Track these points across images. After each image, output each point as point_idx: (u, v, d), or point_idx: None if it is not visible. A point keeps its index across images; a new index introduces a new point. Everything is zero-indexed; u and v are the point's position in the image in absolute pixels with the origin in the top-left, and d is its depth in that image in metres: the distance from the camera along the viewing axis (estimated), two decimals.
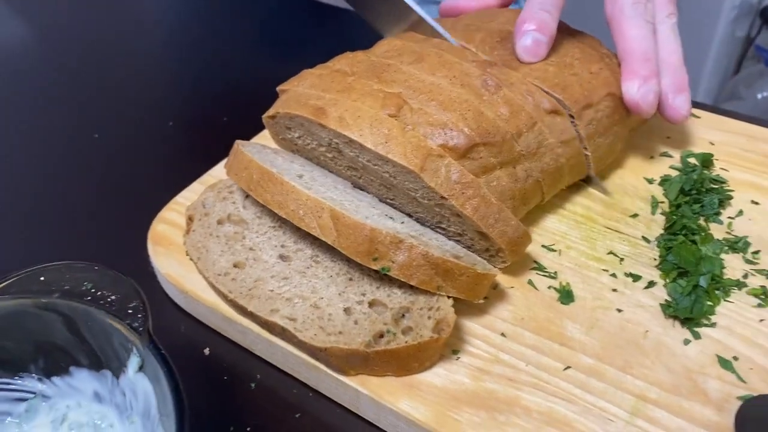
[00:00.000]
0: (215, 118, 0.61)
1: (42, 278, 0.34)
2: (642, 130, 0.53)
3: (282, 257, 0.41)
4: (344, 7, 0.82)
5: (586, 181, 0.48)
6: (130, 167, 0.57)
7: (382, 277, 0.39)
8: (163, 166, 0.57)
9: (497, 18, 0.50)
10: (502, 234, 0.39)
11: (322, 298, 0.39)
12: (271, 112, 0.46)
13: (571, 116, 0.44)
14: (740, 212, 0.46)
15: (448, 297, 0.37)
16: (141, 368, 0.32)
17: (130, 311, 0.32)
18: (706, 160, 0.50)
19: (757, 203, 0.47)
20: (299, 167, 0.45)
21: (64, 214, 0.53)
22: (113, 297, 0.33)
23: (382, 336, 0.36)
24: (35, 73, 0.71)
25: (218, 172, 0.50)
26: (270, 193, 0.40)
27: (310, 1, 0.81)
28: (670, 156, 0.51)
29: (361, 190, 0.45)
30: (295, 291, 0.39)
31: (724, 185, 0.48)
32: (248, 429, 0.37)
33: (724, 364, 0.37)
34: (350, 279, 0.40)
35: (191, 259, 0.42)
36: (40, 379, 0.35)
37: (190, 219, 0.45)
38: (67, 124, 0.62)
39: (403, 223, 0.41)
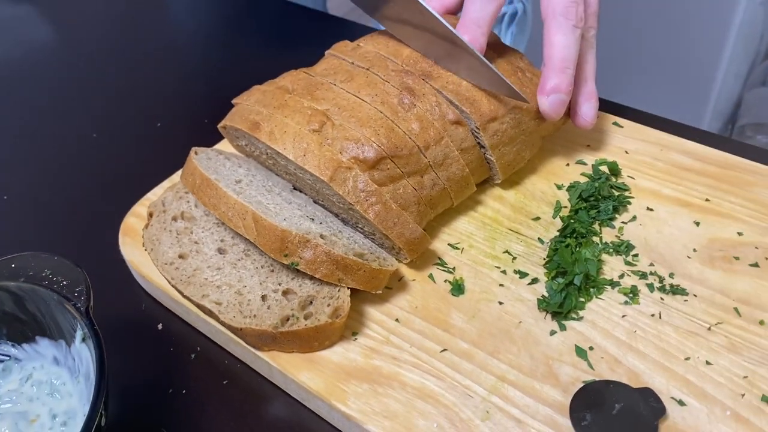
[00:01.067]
0: (198, 120, 0.69)
1: (13, 265, 0.42)
2: (563, 137, 0.59)
3: (220, 250, 0.49)
4: (334, 14, 0.89)
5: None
6: (119, 164, 0.65)
7: (298, 270, 0.46)
8: (146, 163, 0.65)
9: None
10: (400, 235, 0.46)
11: (246, 286, 0.46)
12: (222, 123, 0.53)
13: (476, 128, 0.50)
14: (633, 218, 0.52)
15: (348, 288, 0.45)
16: (83, 340, 0.40)
17: (76, 294, 0.41)
18: (614, 169, 0.55)
19: (651, 209, 0.53)
20: (244, 172, 0.52)
21: (57, 204, 0.61)
22: (65, 282, 0.41)
23: (288, 319, 0.44)
24: (51, 71, 0.80)
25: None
26: (207, 196, 0.48)
27: (296, 6, 0.88)
28: (585, 164, 0.57)
29: (300, 191, 0.53)
30: (224, 279, 0.47)
31: (625, 192, 0.54)
32: (184, 391, 0.45)
33: (580, 352, 0.43)
34: (272, 270, 0.47)
35: (146, 250, 0.50)
36: (13, 345, 0.43)
37: (150, 215, 0.53)
38: (71, 123, 0.71)
39: (321, 223, 0.48)
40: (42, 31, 0.90)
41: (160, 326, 0.50)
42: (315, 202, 0.52)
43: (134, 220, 0.54)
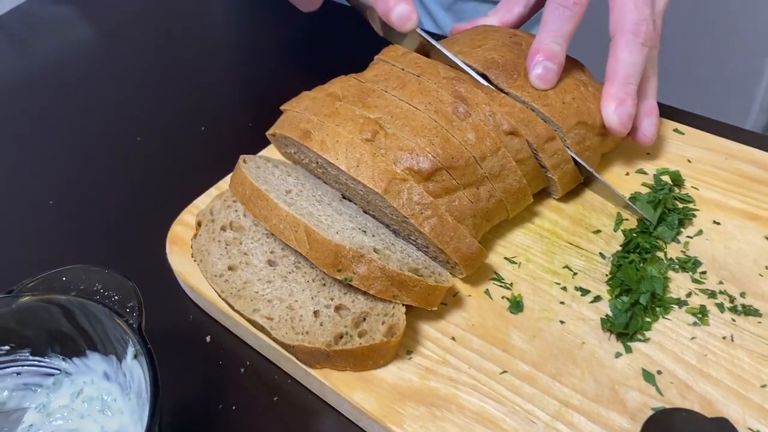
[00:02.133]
0: (242, 123, 0.68)
1: (64, 278, 0.42)
2: (621, 145, 0.56)
3: (270, 262, 0.48)
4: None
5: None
6: (163, 169, 0.65)
7: (351, 285, 0.45)
8: (192, 169, 0.64)
9: (485, 44, 0.54)
10: (456, 250, 0.44)
11: (297, 300, 0.45)
12: (271, 131, 0.52)
13: (534, 150, 0.48)
14: (700, 232, 0.50)
15: (403, 305, 0.43)
16: (135, 357, 0.39)
17: (128, 309, 0.40)
18: (677, 178, 0.53)
19: (718, 223, 0.50)
20: (293, 181, 0.51)
21: (102, 209, 0.61)
22: (116, 297, 0.40)
23: (341, 337, 0.42)
24: (93, 73, 0.80)
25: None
26: (258, 207, 0.47)
27: (339, 5, 0.86)
28: (645, 173, 0.54)
29: (349, 200, 0.51)
30: (275, 293, 0.46)
31: (689, 204, 0.51)
32: (234, 407, 0.45)
33: (647, 377, 0.41)
34: (323, 284, 0.46)
35: (195, 261, 0.49)
36: (63, 359, 0.43)
37: (198, 224, 0.52)
38: (113, 125, 0.71)
39: (374, 236, 0.47)
40: (83, 32, 0.90)
41: (208, 338, 0.49)
42: (365, 211, 0.50)
43: (181, 228, 0.53)
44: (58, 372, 0.43)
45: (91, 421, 0.40)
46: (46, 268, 0.42)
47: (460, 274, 0.46)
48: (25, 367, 0.43)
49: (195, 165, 0.64)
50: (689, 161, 0.55)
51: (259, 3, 0.91)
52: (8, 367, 0.43)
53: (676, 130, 0.58)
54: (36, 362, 0.43)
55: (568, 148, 0.50)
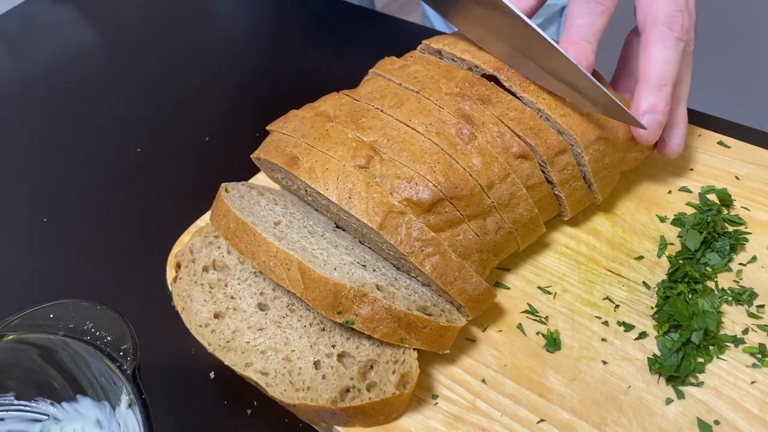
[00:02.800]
0: (251, 133, 0.64)
1: (51, 315, 0.38)
2: (663, 160, 0.52)
3: (260, 306, 0.43)
4: (384, 11, 0.82)
5: None
6: (166, 185, 0.60)
7: (353, 329, 0.40)
8: (195, 184, 0.60)
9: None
10: (461, 291, 0.40)
11: (294, 350, 0.40)
12: (255, 154, 0.47)
13: (543, 162, 0.43)
14: (753, 258, 0.45)
15: (414, 349, 0.39)
16: (129, 405, 0.35)
17: (121, 352, 0.35)
18: (725, 198, 0.48)
19: None
20: (281, 210, 0.46)
21: (96, 229, 0.57)
22: (109, 338, 0.36)
23: (348, 391, 0.38)
24: (93, 75, 0.76)
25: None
26: (244, 243, 0.42)
27: (344, 4, 0.82)
28: (690, 191, 0.50)
29: (343, 230, 0.46)
30: (269, 343, 0.41)
31: (741, 227, 0.47)
32: None
33: (704, 427, 0.37)
34: (322, 329, 0.41)
35: (176, 309, 0.44)
36: (52, 404, 0.39)
37: (178, 265, 0.47)
38: (113, 136, 0.67)
39: (374, 270, 0.42)
40: (82, 34, 0.86)
41: (212, 374, 0.44)
42: (361, 242, 0.45)
43: (186, 241, 0.49)
44: (47, 417, 0.39)
45: None
46: (33, 302, 0.38)
47: (465, 317, 0.41)
48: (9, 413, 0.39)
49: (198, 179, 0.60)
50: (737, 178, 0.50)
51: (260, 7, 0.87)
52: None
53: (720, 143, 0.53)
54: (21, 407, 0.39)
55: (582, 165, 0.45)
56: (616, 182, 0.48)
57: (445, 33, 0.53)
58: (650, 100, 0.44)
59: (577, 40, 0.44)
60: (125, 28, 0.84)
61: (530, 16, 0.52)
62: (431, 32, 0.60)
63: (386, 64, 0.50)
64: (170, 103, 0.70)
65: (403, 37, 0.74)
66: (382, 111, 0.45)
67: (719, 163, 0.52)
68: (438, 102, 0.44)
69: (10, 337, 0.36)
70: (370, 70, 0.51)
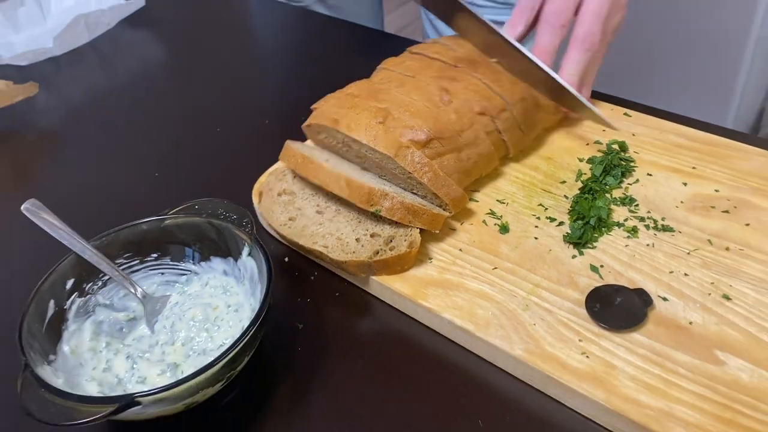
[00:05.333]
0: (298, 120, 0.88)
1: (197, 207, 0.62)
2: (586, 126, 0.76)
3: (318, 212, 0.67)
4: (374, 27, 1.08)
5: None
6: (243, 147, 0.85)
7: (378, 218, 0.64)
8: (261, 147, 0.84)
9: (458, 49, 0.75)
10: (447, 194, 0.64)
11: (342, 233, 0.64)
12: (306, 122, 0.72)
13: (493, 116, 0.68)
14: (636, 180, 0.69)
15: (418, 229, 0.62)
16: (249, 254, 0.59)
17: (243, 224, 0.59)
18: (623, 146, 0.73)
19: (650, 175, 0.70)
20: (327, 155, 0.71)
21: (205, 176, 0.81)
22: (235, 216, 0.60)
23: (377, 253, 0.61)
24: (171, 84, 1.01)
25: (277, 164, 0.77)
26: (308, 169, 0.66)
27: (346, 24, 1.07)
28: (600, 143, 0.74)
29: (367, 171, 0.70)
30: (326, 231, 0.64)
31: (631, 163, 0.71)
32: (309, 300, 0.64)
33: (593, 269, 0.60)
34: (359, 222, 0.65)
35: (263, 217, 0.68)
36: (193, 263, 0.62)
37: (260, 194, 0.71)
38: (196, 121, 0.91)
39: (391, 187, 0.66)
40: (157, 50, 1.11)
41: (286, 259, 0.68)
42: (379, 177, 0.69)
43: (258, 186, 0.73)
44: (189, 273, 0.63)
45: (217, 299, 0.60)
46: (183, 201, 0.62)
47: (450, 213, 0.65)
48: (167, 269, 0.63)
49: (264, 144, 0.84)
50: (633, 135, 0.75)
51: (290, 30, 1.12)
52: (156, 269, 0.62)
53: (626, 114, 0.78)
54: (174, 266, 0.62)
55: (516, 117, 0.70)
56: (538, 131, 0.73)
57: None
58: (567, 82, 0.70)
59: (541, 53, 0.70)
60: (188, 46, 1.10)
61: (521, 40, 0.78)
62: None
63: (389, 61, 0.76)
64: (230, 99, 0.95)
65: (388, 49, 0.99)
66: (390, 90, 0.70)
67: (623, 126, 0.76)
68: (425, 82, 0.69)
69: (172, 219, 0.60)
70: (378, 66, 0.76)
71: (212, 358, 0.49)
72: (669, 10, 1.78)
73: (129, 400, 0.46)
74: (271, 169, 0.75)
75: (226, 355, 0.48)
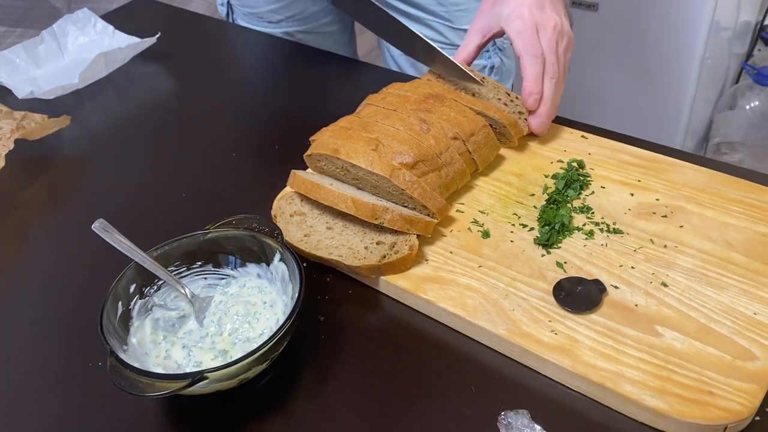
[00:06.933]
0: (296, 147, 1.01)
1: (234, 222, 0.75)
2: (550, 148, 0.91)
3: (328, 228, 0.80)
4: (363, 60, 1.22)
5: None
6: (262, 176, 0.98)
7: (381, 229, 0.77)
8: (270, 173, 0.97)
9: (420, 88, 0.90)
10: (433, 205, 0.78)
11: (353, 244, 0.77)
12: (308, 152, 0.85)
13: (464, 140, 0.82)
14: (592, 192, 0.84)
15: (414, 234, 0.76)
16: (281, 259, 0.72)
17: (274, 235, 0.73)
18: (581, 164, 0.87)
19: (604, 187, 0.84)
20: (329, 180, 0.84)
21: (245, 186, 0.94)
22: (267, 229, 0.73)
23: (384, 257, 0.75)
24: (181, 113, 1.13)
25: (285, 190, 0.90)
26: (318, 193, 0.79)
27: (339, 57, 1.21)
28: (562, 161, 0.89)
29: (361, 190, 0.83)
30: (338, 242, 0.78)
31: (588, 178, 0.86)
32: (326, 297, 0.77)
33: (558, 265, 0.74)
34: (365, 234, 0.78)
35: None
36: (231, 269, 0.75)
37: (274, 216, 0.84)
38: (207, 148, 1.04)
39: (388, 202, 0.80)
40: (168, 82, 1.23)
41: (304, 265, 0.81)
42: (373, 195, 0.83)
43: (276, 205, 0.86)
44: (228, 277, 0.75)
45: (254, 297, 0.73)
46: (221, 218, 0.75)
47: (436, 219, 0.79)
48: (209, 275, 0.75)
49: (273, 171, 0.97)
50: (589, 154, 0.90)
51: (274, 61, 1.26)
52: (200, 274, 0.75)
53: (583, 136, 0.93)
54: (215, 271, 0.75)
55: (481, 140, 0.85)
56: (499, 150, 0.88)
57: (408, 74, 0.94)
58: (530, 104, 0.86)
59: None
60: (196, 77, 1.23)
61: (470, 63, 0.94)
62: (399, 74, 1.01)
63: (372, 98, 0.90)
64: (236, 125, 1.08)
65: (377, 78, 1.12)
66: (377, 122, 0.84)
67: (581, 147, 0.91)
68: (406, 114, 0.84)
69: (225, 231, 0.73)
70: (363, 102, 0.90)
71: (255, 345, 0.62)
72: (622, 35, 1.95)
73: (200, 375, 0.59)
74: (280, 195, 0.88)
75: (274, 338, 0.62)
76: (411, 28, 0.93)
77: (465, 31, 1.02)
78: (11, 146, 0.96)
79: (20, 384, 0.71)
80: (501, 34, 0.94)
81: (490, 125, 0.87)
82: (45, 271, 0.84)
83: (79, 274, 0.83)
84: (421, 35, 0.92)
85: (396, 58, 1.29)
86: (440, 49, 0.91)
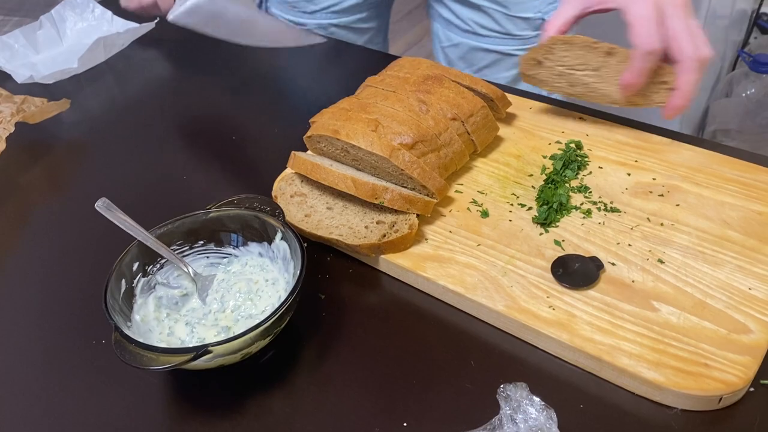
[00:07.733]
0: (296, 128, 1.02)
1: (236, 201, 0.75)
2: (548, 128, 0.92)
3: (328, 208, 0.81)
4: (360, 44, 1.22)
5: None
6: (261, 157, 0.98)
7: (381, 208, 0.78)
8: (271, 154, 0.97)
9: (420, 67, 0.90)
10: (433, 185, 0.78)
11: (353, 224, 0.78)
12: (308, 134, 0.85)
13: (462, 121, 0.83)
14: (590, 172, 0.85)
15: (414, 213, 0.77)
16: (282, 238, 0.72)
17: (275, 214, 0.73)
18: (579, 144, 0.88)
19: (601, 167, 0.85)
20: (328, 161, 0.85)
21: (245, 168, 0.94)
22: (268, 208, 0.74)
23: (384, 236, 0.76)
24: (178, 98, 1.14)
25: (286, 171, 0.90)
26: (318, 174, 0.79)
27: (346, 44, 1.22)
28: (560, 143, 0.90)
29: (361, 171, 0.84)
30: (338, 222, 0.78)
31: (586, 158, 0.87)
32: (327, 276, 0.78)
33: (556, 243, 0.75)
34: (365, 213, 0.79)
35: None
36: (233, 248, 0.76)
37: (275, 197, 0.85)
38: (208, 128, 1.05)
39: (387, 182, 0.80)
40: (165, 67, 1.24)
41: (305, 245, 0.82)
42: (374, 176, 0.84)
43: (276, 185, 0.87)
44: (230, 255, 0.76)
45: (256, 275, 0.74)
46: (222, 198, 0.76)
47: (436, 200, 0.80)
48: (211, 253, 0.76)
49: (275, 152, 0.98)
50: (587, 135, 0.91)
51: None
52: (202, 253, 0.76)
53: (581, 118, 0.94)
54: (217, 250, 0.76)
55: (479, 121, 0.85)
56: (498, 129, 0.88)
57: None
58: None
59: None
60: (194, 61, 1.23)
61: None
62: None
63: (371, 79, 0.91)
64: (233, 109, 1.09)
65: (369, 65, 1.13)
66: (377, 103, 0.84)
67: (579, 128, 0.92)
68: (405, 95, 0.84)
69: (215, 212, 0.74)
70: (362, 84, 0.91)
71: (257, 321, 0.63)
72: (620, 22, 1.96)
73: (204, 349, 0.60)
74: (280, 176, 0.89)
75: (277, 313, 0.62)
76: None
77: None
78: (12, 129, 0.97)
79: (24, 363, 0.72)
80: (607, 10, 0.84)
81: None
82: (47, 251, 0.85)
83: (81, 255, 0.84)
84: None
85: (446, 50, 1.27)
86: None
